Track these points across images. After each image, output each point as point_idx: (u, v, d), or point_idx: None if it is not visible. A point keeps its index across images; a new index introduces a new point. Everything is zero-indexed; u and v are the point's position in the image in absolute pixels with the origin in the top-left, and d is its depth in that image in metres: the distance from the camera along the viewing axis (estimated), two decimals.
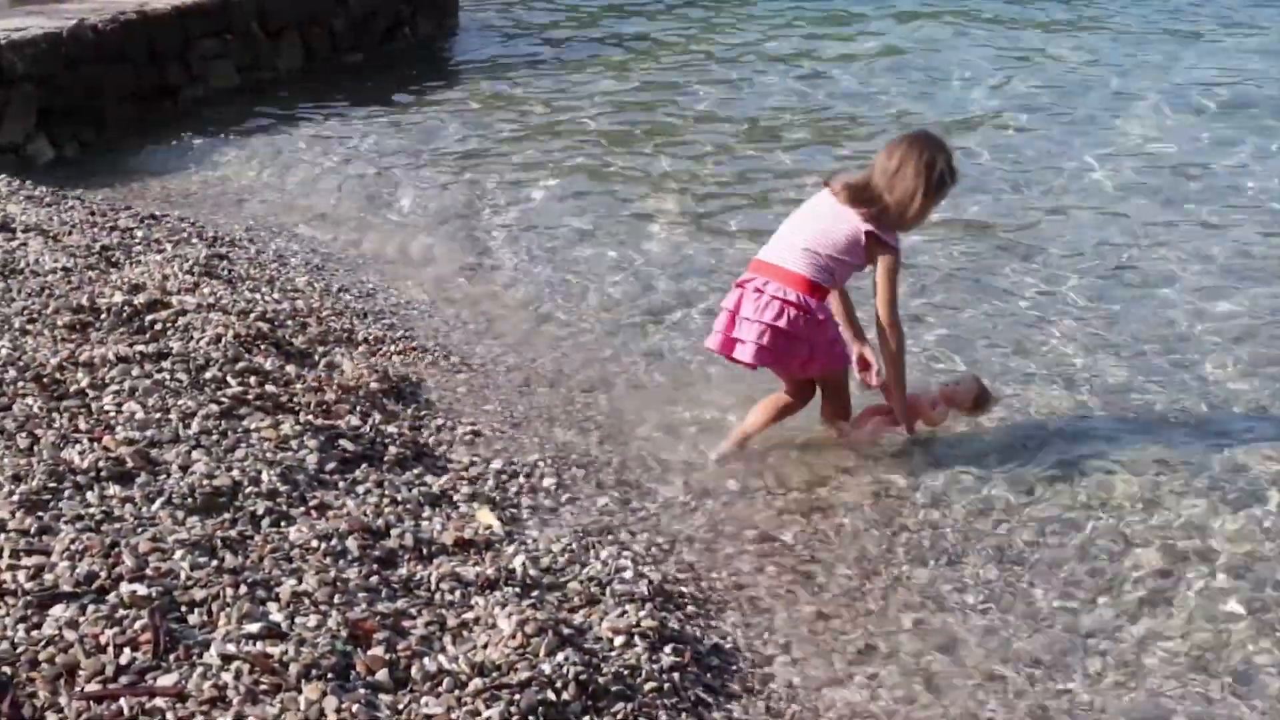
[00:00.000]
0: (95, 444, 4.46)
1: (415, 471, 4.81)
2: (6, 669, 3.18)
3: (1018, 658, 4.11)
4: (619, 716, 3.44)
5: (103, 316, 5.76)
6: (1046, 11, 15.04)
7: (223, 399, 4.96)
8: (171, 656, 3.31)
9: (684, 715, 3.57)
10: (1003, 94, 11.57)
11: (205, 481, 4.27)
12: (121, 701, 3.12)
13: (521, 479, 4.92)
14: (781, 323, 5.07)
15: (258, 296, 6.52)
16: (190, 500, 4.16)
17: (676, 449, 5.42)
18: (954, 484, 5.18)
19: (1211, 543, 4.79)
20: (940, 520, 4.94)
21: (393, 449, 4.90)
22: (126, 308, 5.86)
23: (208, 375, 5.19)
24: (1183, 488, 5.17)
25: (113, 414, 4.74)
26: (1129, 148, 9.86)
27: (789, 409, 5.40)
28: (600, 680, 3.51)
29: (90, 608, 3.45)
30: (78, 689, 3.17)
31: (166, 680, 3.22)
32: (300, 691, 3.23)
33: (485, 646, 3.59)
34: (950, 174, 5.19)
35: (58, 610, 3.44)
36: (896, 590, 4.48)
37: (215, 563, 3.77)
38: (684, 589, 4.31)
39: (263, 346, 5.69)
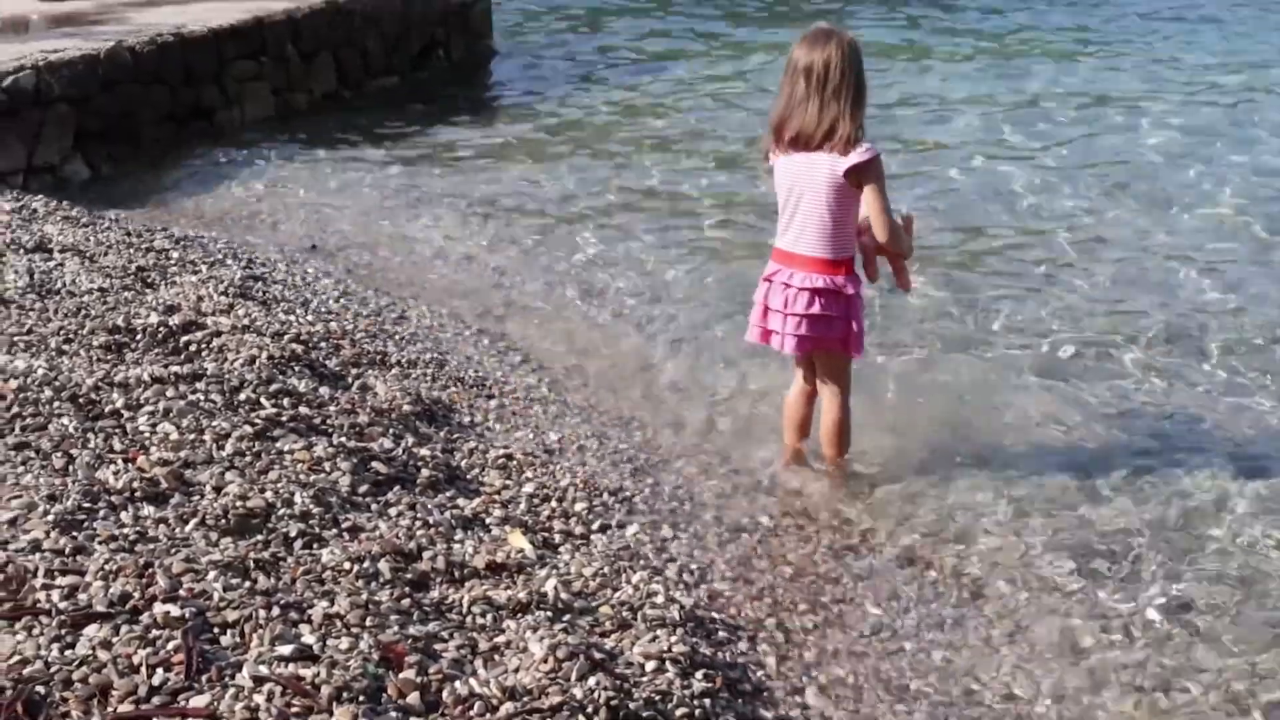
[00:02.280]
0: (130, 464, 4.48)
1: (447, 494, 4.81)
2: (40, 688, 3.19)
3: (1050, 695, 4.09)
4: None
5: (138, 337, 5.79)
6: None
7: (256, 420, 4.97)
8: (204, 677, 3.31)
9: None
10: None
11: (239, 503, 4.28)
12: None
13: (554, 503, 4.91)
14: (815, 310, 5.10)
15: (292, 318, 6.54)
16: (224, 521, 4.17)
17: (708, 482, 5.42)
18: (981, 518, 5.17)
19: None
20: (969, 555, 4.92)
21: (425, 472, 4.90)
22: (162, 329, 5.88)
23: (242, 397, 5.20)
24: (1228, 517, 5.18)
25: (147, 434, 4.76)
26: None
27: (812, 396, 5.48)
28: (631, 705, 3.50)
29: (124, 628, 3.45)
30: (110, 709, 3.17)
31: (199, 701, 3.22)
32: (332, 714, 3.22)
33: (517, 670, 3.58)
34: (857, 44, 5.05)
35: (91, 630, 3.44)
36: (926, 627, 4.46)
37: (248, 584, 3.78)
38: (715, 615, 4.30)
39: (296, 368, 5.71)
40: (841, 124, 4.93)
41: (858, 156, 4.95)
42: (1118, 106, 11.90)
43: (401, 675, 3.45)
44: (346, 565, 4.01)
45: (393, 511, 4.54)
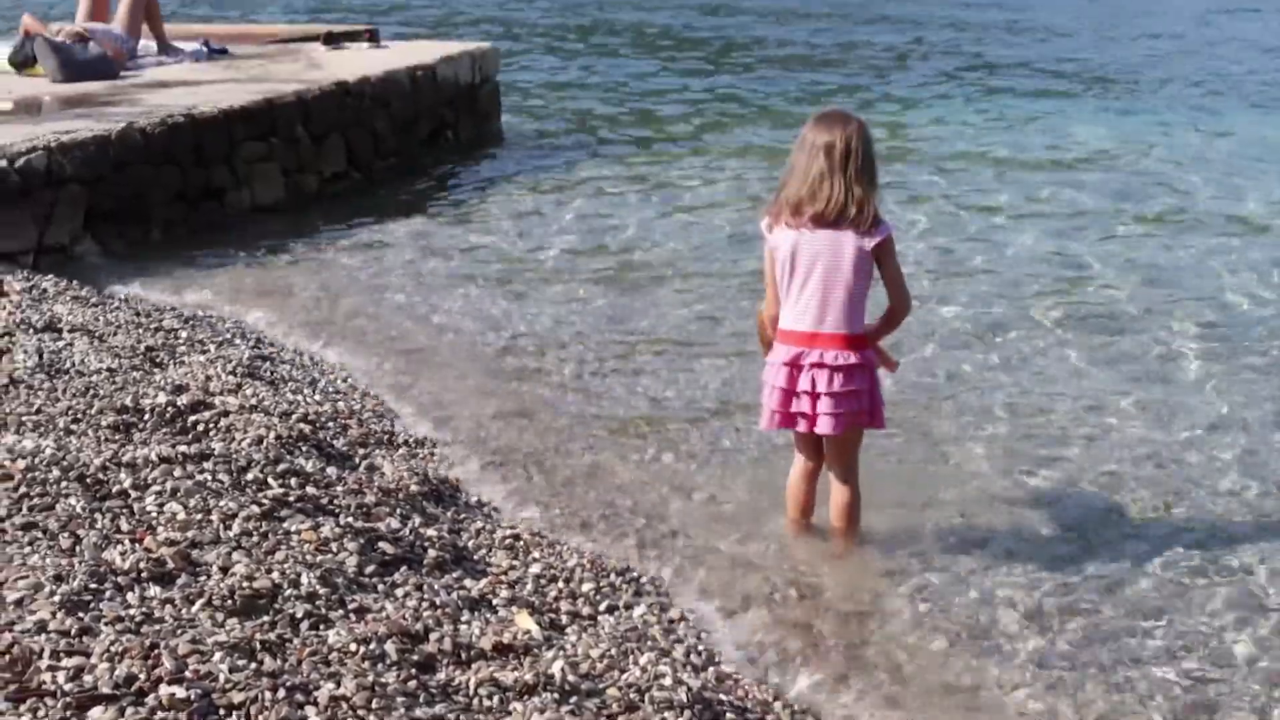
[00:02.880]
0: (137, 545, 4.48)
1: (454, 575, 4.80)
2: None
3: None
4: None
5: (146, 417, 5.80)
6: None
7: (264, 500, 4.97)
8: None
9: None
10: None
11: (245, 583, 4.27)
12: None
13: (560, 584, 4.90)
14: (851, 387, 5.15)
15: (299, 398, 6.55)
16: (230, 602, 4.16)
17: (715, 561, 5.40)
18: (992, 592, 5.14)
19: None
20: (980, 630, 4.89)
21: (432, 552, 4.89)
22: (170, 408, 5.90)
23: (249, 476, 5.21)
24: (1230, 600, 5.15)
25: (154, 515, 4.76)
26: None
27: (814, 473, 5.48)
28: None
29: (129, 710, 3.43)
30: None
31: None
32: None
33: None
34: (868, 127, 5.16)
35: (96, 712, 3.43)
36: (935, 700, 4.43)
37: (254, 665, 3.76)
38: (723, 697, 4.27)
39: (304, 448, 5.71)
40: (866, 205, 5.04)
41: (881, 234, 5.09)
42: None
43: None
44: (353, 646, 3.99)
45: (399, 592, 4.53)
